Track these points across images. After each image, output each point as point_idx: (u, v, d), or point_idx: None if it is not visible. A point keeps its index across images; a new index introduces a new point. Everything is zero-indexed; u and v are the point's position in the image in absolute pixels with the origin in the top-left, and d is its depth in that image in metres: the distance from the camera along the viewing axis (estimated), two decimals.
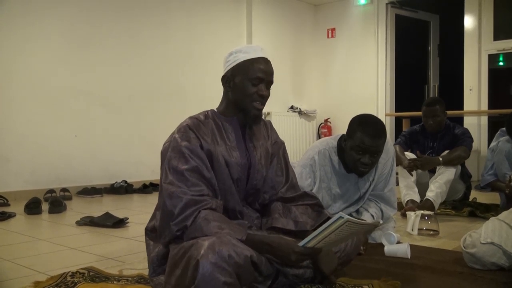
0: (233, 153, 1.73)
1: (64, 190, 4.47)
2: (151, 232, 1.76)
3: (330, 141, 2.46)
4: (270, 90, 1.78)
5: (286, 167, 1.91)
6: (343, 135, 2.38)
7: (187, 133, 1.67)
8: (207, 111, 1.81)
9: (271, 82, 1.76)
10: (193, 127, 1.69)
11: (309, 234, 1.55)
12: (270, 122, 1.97)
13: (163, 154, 1.69)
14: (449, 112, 3.84)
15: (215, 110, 1.83)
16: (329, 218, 1.81)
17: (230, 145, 1.74)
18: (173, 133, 1.72)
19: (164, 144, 1.73)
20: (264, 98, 1.74)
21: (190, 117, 1.76)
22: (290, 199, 1.86)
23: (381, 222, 2.29)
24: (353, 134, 2.23)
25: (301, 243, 1.50)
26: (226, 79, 1.77)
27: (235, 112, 1.78)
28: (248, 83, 1.71)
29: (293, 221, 1.77)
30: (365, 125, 2.21)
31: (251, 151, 1.79)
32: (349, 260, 1.85)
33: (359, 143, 2.20)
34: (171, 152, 1.64)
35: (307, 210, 1.84)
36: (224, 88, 1.80)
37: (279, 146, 1.93)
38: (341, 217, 1.39)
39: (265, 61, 1.74)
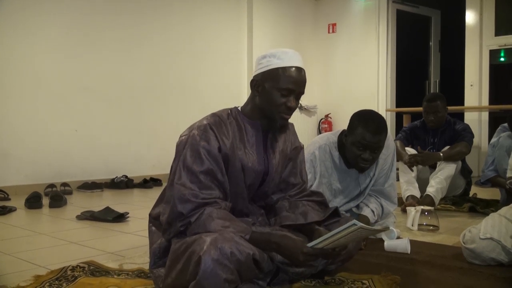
0: (251, 158, 1.70)
1: (64, 184, 4.48)
2: (154, 220, 1.76)
3: (331, 137, 2.46)
4: None
5: (300, 174, 1.88)
6: (343, 131, 2.38)
7: (207, 133, 1.62)
8: (230, 109, 1.75)
9: (302, 93, 1.70)
10: (214, 127, 1.63)
11: (317, 229, 1.55)
12: (292, 126, 1.91)
13: (179, 147, 1.65)
14: (450, 108, 3.83)
15: (239, 109, 1.76)
16: (336, 210, 1.83)
17: (249, 149, 1.70)
18: (192, 127, 1.67)
19: (180, 136, 1.68)
20: (291, 110, 1.69)
21: (213, 114, 1.70)
22: (297, 198, 1.85)
23: (390, 227, 2.29)
24: (354, 129, 2.22)
25: (310, 244, 1.50)
26: (255, 83, 1.70)
27: (259, 117, 1.72)
28: (277, 92, 1.65)
29: (301, 215, 1.75)
30: (366, 120, 2.21)
31: (270, 158, 1.76)
32: (351, 256, 1.85)
33: (360, 139, 2.19)
34: (188, 150, 1.60)
35: (314, 206, 1.82)
36: (251, 91, 1.73)
37: (298, 151, 1.89)
38: (354, 224, 1.40)
39: (298, 71, 1.66)
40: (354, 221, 1.42)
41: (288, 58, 1.67)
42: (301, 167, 1.89)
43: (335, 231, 1.44)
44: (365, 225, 1.42)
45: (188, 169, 1.58)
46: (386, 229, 1.75)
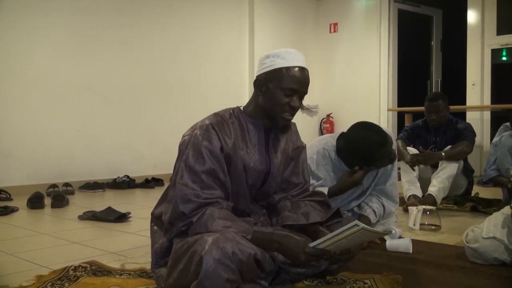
0: (252, 158, 1.70)
1: (66, 185, 4.48)
2: (157, 219, 1.76)
3: (329, 140, 2.45)
4: None
5: (303, 173, 1.88)
6: (342, 133, 2.38)
7: (209, 132, 1.62)
8: (232, 109, 1.75)
9: (305, 93, 1.69)
10: (216, 127, 1.63)
11: (321, 231, 1.54)
12: (294, 125, 1.90)
13: (181, 147, 1.65)
14: (451, 107, 3.83)
15: (241, 109, 1.76)
16: (338, 211, 1.82)
17: (251, 149, 1.70)
18: (194, 127, 1.67)
19: (183, 136, 1.68)
20: (295, 110, 1.68)
21: (215, 114, 1.70)
22: (299, 198, 1.85)
23: (393, 232, 2.29)
24: (373, 157, 2.23)
25: (312, 244, 1.49)
26: (258, 83, 1.70)
27: (262, 116, 1.72)
28: (281, 92, 1.64)
29: (303, 215, 1.75)
30: (374, 142, 2.20)
31: (272, 158, 1.76)
32: (353, 256, 1.84)
33: (383, 155, 2.23)
34: (190, 149, 1.60)
35: (316, 206, 1.82)
36: (254, 91, 1.73)
37: (300, 151, 1.89)
38: (356, 225, 1.39)
39: (302, 71, 1.66)
40: (356, 221, 1.41)
41: (292, 58, 1.66)
42: (303, 166, 1.89)
43: (337, 231, 1.43)
44: (367, 226, 1.41)
45: (190, 168, 1.58)
46: (388, 232, 1.74)
